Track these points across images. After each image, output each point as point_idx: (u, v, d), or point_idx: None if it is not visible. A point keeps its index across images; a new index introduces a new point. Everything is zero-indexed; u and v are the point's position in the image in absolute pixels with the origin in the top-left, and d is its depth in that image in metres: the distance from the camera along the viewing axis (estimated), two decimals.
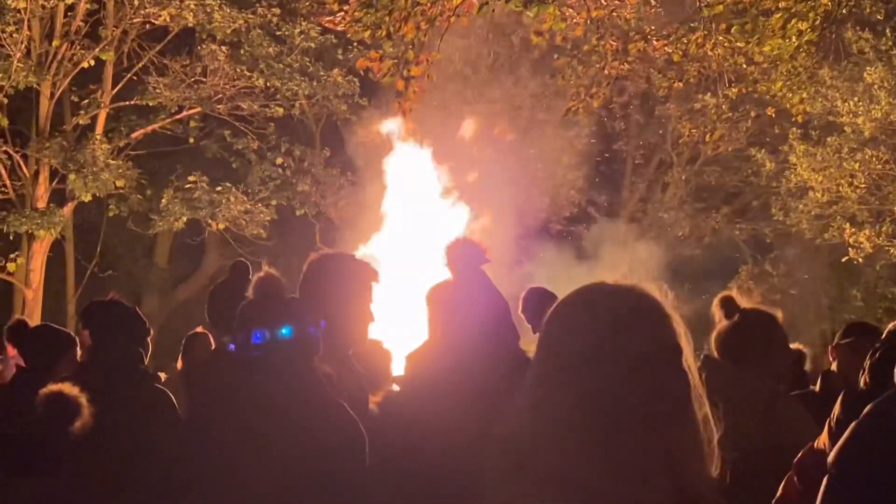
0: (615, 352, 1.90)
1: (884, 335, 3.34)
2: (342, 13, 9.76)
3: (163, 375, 7.08)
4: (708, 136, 21.93)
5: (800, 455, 3.55)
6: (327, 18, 11.53)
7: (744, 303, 4.43)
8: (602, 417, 1.87)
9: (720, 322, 4.44)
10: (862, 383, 3.38)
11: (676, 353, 1.96)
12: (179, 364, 8.14)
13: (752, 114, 22.64)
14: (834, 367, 4.95)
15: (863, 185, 20.97)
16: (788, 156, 21.95)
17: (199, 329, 8.10)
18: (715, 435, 2.00)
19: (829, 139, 21.42)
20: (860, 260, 21.12)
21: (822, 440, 3.49)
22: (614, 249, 22.06)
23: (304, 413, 3.71)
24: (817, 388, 5.04)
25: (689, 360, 1.99)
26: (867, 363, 3.30)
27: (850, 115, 20.47)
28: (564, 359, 1.94)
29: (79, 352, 5.78)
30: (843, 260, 21.45)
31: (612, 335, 1.92)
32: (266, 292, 3.97)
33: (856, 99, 20.26)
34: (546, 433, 1.90)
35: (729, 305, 4.45)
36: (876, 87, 20.09)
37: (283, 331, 3.87)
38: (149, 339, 5.40)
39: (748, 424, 4.13)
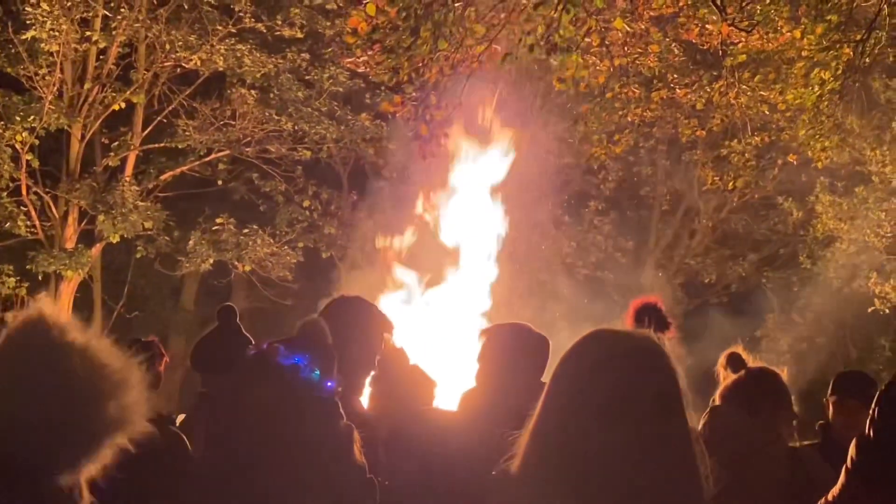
0: (613, 396, 1.90)
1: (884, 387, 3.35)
2: (366, 57, 9.83)
3: (180, 418, 7.10)
4: (731, 182, 21.84)
5: None
6: (349, 60, 11.64)
7: (750, 361, 4.44)
8: (597, 464, 1.86)
9: (726, 378, 4.44)
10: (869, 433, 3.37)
11: (677, 398, 1.95)
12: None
13: (779, 161, 22.54)
14: (831, 418, 4.94)
15: (889, 235, 20.79)
16: (815, 205, 21.85)
17: None
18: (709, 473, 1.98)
19: (856, 189, 21.28)
20: (886, 311, 20.91)
21: (835, 491, 3.46)
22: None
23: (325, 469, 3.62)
24: (819, 440, 5.01)
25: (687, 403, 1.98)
26: (871, 414, 3.32)
27: (878, 165, 20.35)
28: (564, 404, 1.94)
29: None
30: (870, 310, 21.24)
31: (606, 379, 1.92)
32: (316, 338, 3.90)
33: (884, 148, 20.15)
34: (545, 477, 1.90)
35: (735, 362, 4.45)
36: None
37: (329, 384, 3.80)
38: (161, 366, 5.37)
39: (770, 473, 4.11)
